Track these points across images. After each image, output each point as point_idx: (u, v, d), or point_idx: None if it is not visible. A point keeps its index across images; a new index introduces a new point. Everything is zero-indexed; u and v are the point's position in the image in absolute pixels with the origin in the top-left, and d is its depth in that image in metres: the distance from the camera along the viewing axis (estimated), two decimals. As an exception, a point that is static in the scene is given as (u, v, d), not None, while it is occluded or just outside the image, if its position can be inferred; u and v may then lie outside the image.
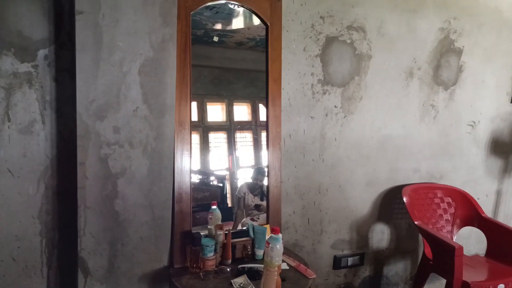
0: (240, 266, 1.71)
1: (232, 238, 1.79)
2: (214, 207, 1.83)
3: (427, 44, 2.42)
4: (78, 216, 1.52)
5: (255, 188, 2.01)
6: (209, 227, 1.80)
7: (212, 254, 1.68)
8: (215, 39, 1.88)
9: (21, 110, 1.53)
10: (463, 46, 2.54)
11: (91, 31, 1.46)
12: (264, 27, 1.90)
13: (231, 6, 1.84)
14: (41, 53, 1.53)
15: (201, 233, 1.74)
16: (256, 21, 1.91)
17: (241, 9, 1.87)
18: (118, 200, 1.59)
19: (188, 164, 1.76)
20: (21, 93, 1.52)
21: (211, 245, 1.68)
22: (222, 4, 1.81)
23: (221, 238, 1.76)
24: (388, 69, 2.32)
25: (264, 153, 1.97)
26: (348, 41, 2.17)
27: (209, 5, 1.77)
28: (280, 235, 1.52)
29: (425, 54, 2.43)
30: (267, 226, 1.87)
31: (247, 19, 1.92)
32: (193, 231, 1.75)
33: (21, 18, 1.49)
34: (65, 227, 1.65)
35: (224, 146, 1.98)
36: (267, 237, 1.81)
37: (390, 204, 2.48)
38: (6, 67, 1.49)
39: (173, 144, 1.69)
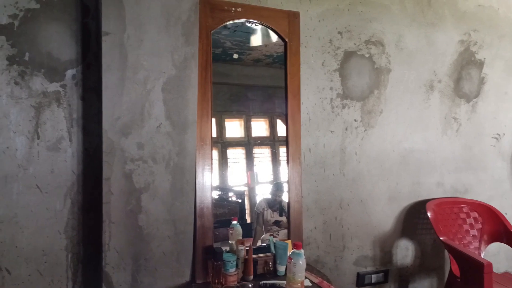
0: (262, 282, 1.70)
1: (253, 254, 1.78)
2: (234, 222, 1.83)
3: (447, 57, 2.41)
4: (103, 231, 1.55)
5: (274, 203, 2.01)
6: (230, 242, 1.80)
7: (234, 269, 1.67)
8: (235, 56, 1.92)
9: (49, 128, 1.58)
10: (484, 58, 2.51)
11: (116, 51, 1.51)
12: (282, 43, 1.93)
13: (249, 25, 1.88)
14: (69, 73, 1.60)
15: (223, 249, 1.74)
16: (273, 38, 1.94)
17: (258, 27, 1.91)
18: (142, 215, 1.61)
19: (209, 180, 1.77)
20: (50, 112, 1.58)
21: (233, 261, 1.67)
22: (241, 22, 1.85)
23: (242, 253, 1.75)
24: (408, 82, 2.31)
25: (282, 168, 1.98)
26: (367, 55, 2.18)
27: (227, 24, 1.82)
28: (302, 250, 1.51)
29: (445, 66, 2.41)
30: (289, 241, 1.86)
31: (264, 37, 1.96)
32: (214, 246, 1.75)
33: (51, 40, 1.56)
34: (89, 242, 1.68)
35: (243, 161, 1.99)
36: (288, 252, 1.80)
37: (414, 219, 2.43)
38: (36, 87, 1.56)
39: (195, 160, 1.72)
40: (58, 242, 1.63)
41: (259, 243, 1.94)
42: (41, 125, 1.57)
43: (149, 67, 1.57)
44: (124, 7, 1.51)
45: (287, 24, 1.92)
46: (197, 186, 1.74)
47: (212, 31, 1.77)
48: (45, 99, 1.57)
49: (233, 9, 1.80)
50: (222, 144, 1.91)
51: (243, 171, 1.99)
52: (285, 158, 1.95)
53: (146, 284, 1.64)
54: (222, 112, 1.89)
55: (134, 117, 1.57)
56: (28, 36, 1.53)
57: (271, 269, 1.82)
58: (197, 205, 1.74)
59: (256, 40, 1.96)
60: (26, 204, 1.57)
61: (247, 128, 2.01)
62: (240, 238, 1.80)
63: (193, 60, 1.66)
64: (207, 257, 1.73)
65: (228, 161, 1.93)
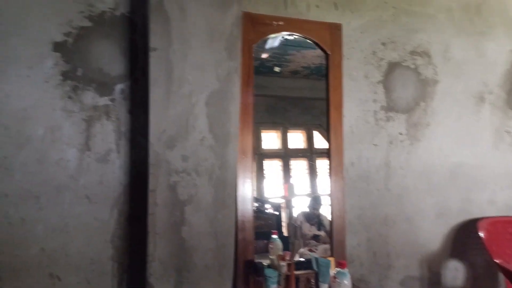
0: (304, 299, 1.65)
1: (295, 270, 1.74)
2: (275, 236, 1.80)
3: (498, 66, 2.29)
4: (148, 242, 1.57)
5: (312, 217, 1.97)
6: (270, 257, 1.77)
7: (275, 286, 1.63)
8: (277, 69, 1.92)
9: (99, 140, 1.65)
10: (540, 67, 2.37)
11: (163, 66, 1.56)
12: (321, 55, 1.92)
13: (288, 37, 1.88)
14: (118, 87, 1.67)
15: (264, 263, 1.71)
16: (312, 49, 1.93)
17: (296, 39, 1.90)
18: (185, 227, 1.62)
19: (250, 192, 1.77)
20: (100, 125, 1.64)
21: (275, 276, 1.64)
22: (282, 35, 1.86)
23: (284, 269, 1.71)
24: (456, 94, 2.21)
25: (320, 181, 1.94)
26: (412, 66, 2.11)
27: (264, 38, 1.82)
28: (347, 269, 1.45)
29: (497, 77, 2.29)
30: (332, 259, 1.80)
31: (303, 49, 1.95)
32: (255, 260, 1.73)
33: (102, 56, 1.64)
34: (134, 252, 1.71)
35: (279, 173, 1.97)
36: (331, 270, 1.74)
37: (464, 238, 2.28)
38: (87, 101, 1.63)
39: (236, 173, 1.72)
40: (105, 252, 1.67)
41: (296, 257, 1.89)
42: (92, 137, 1.64)
43: (193, 81, 1.60)
44: (170, 23, 1.56)
45: (329, 36, 1.91)
46: (238, 199, 1.73)
47: (253, 45, 1.79)
48: (95, 113, 1.64)
49: (275, 22, 1.82)
50: (259, 155, 1.90)
51: (280, 183, 1.97)
52: (327, 171, 1.91)
53: (188, 296, 1.64)
54: (259, 124, 1.89)
55: (179, 130, 1.60)
56: (81, 53, 1.62)
57: (313, 286, 1.77)
58: (239, 218, 1.73)
59: (293, 52, 1.96)
60: (76, 214, 1.63)
61: (284, 140, 2.00)
62: (280, 253, 1.77)
63: (236, 74, 1.68)
64: (248, 271, 1.71)
65: (265, 173, 1.92)
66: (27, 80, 1.55)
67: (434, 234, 2.22)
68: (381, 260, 2.12)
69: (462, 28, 2.19)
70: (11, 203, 1.54)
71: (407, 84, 2.11)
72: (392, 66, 2.08)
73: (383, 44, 2.05)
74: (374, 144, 2.07)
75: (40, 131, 1.57)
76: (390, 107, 2.08)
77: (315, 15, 1.93)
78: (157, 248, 1.59)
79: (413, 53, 2.11)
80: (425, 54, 2.14)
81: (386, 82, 2.07)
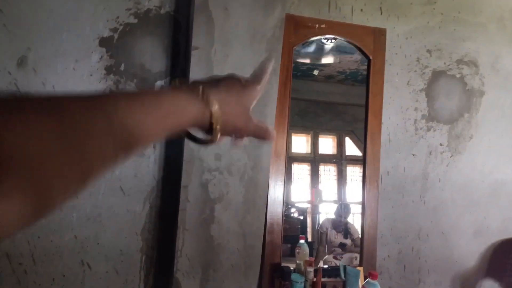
0: (330, 308, 1.62)
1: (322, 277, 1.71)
2: (302, 241, 1.78)
3: (552, 80, 2.15)
4: (177, 238, 1.59)
5: (339, 224, 1.93)
6: (297, 262, 1.75)
7: (301, 291, 1.62)
8: (315, 72, 1.89)
9: (136, 134, 1.68)
10: None
11: (203, 65, 1.57)
12: (359, 60, 1.87)
13: (325, 41, 1.85)
14: (158, 84, 1.69)
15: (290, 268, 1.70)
16: (349, 55, 1.89)
17: (332, 44, 1.87)
18: (214, 225, 1.63)
19: (281, 195, 1.75)
20: (138, 120, 1.67)
21: (301, 282, 1.62)
22: (321, 39, 1.83)
23: (311, 275, 1.69)
24: (504, 107, 2.10)
25: (349, 188, 1.90)
26: (458, 75, 2.02)
27: (304, 41, 1.80)
28: (377, 281, 1.41)
29: (549, 91, 2.15)
30: (360, 268, 1.76)
31: (340, 54, 1.91)
32: (282, 264, 1.71)
33: (145, 53, 1.67)
34: (163, 247, 1.73)
35: (307, 178, 1.94)
36: (360, 280, 1.70)
37: (503, 258, 2.17)
38: (128, 96, 1.66)
39: (268, 175, 1.71)
40: (135, 244, 1.71)
41: (321, 264, 1.86)
42: (130, 131, 1.67)
43: (232, 81, 1.60)
44: (213, 24, 1.56)
45: (372, 41, 1.85)
46: (268, 201, 1.72)
47: (294, 47, 1.77)
48: (135, 108, 1.67)
49: (317, 25, 1.78)
50: (288, 158, 1.88)
51: (307, 187, 1.94)
52: (360, 179, 1.87)
53: (213, 295, 1.65)
54: (289, 127, 1.87)
55: (215, 129, 1.60)
56: (125, 48, 1.65)
57: (339, 295, 1.74)
58: (268, 220, 1.72)
59: (329, 56, 1.92)
60: (109, 205, 1.67)
61: (314, 144, 1.97)
62: (307, 258, 1.75)
63: (274, 76, 1.67)
64: (274, 275, 1.70)
65: (293, 177, 1.89)
66: (73, 73, 1.61)
67: (470, 251, 2.13)
68: (411, 275, 2.05)
69: (514, 38, 2.07)
70: (51, 190, 1.60)
71: (451, 94, 2.02)
72: (437, 75, 1.99)
73: (428, 51, 1.97)
74: (412, 154, 1.99)
75: (82, 123, 1.62)
76: (431, 117, 2.00)
77: (358, 19, 1.88)
78: (185, 244, 1.61)
79: (459, 62, 2.02)
80: (473, 64, 2.04)
81: (429, 90, 1.99)
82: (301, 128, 1.97)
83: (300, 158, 1.96)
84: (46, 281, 1.61)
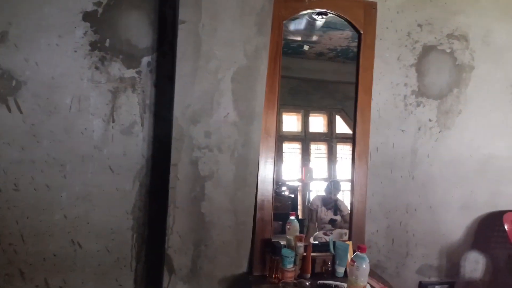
0: (320, 282, 1.65)
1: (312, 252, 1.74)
2: (292, 217, 1.80)
3: (542, 54, 2.15)
4: (168, 215, 1.59)
5: (329, 201, 1.95)
6: (288, 237, 1.77)
7: (291, 265, 1.64)
8: (306, 47, 1.86)
9: (124, 112, 1.65)
10: None
11: (191, 40, 1.53)
12: (349, 37, 1.84)
13: (315, 16, 1.81)
14: (145, 60, 1.65)
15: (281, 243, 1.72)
16: (339, 31, 1.85)
17: (323, 20, 1.83)
18: (205, 203, 1.63)
19: (271, 172, 1.75)
20: (125, 97, 1.65)
21: (291, 257, 1.64)
22: (306, 14, 1.79)
23: (301, 250, 1.71)
24: (493, 82, 2.10)
25: (339, 166, 1.91)
26: (448, 50, 2.01)
27: (293, 17, 1.76)
28: (365, 254, 1.44)
29: (539, 65, 2.16)
30: (349, 243, 1.79)
31: (329, 29, 1.88)
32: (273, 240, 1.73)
33: (130, 28, 1.62)
34: (154, 225, 1.74)
35: (298, 156, 1.95)
36: (349, 254, 1.73)
37: (488, 231, 2.22)
38: (114, 72, 1.63)
39: (258, 152, 1.70)
40: (125, 222, 1.71)
41: (311, 240, 1.89)
42: (117, 109, 1.64)
43: (221, 57, 1.57)
44: (200, -5, 1.52)
45: (362, 15, 1.82)
46: (259, 178, 1.72)
47: (284, 21, 1.73)
48: (121, 85, 1.64)
49: (307, -1, 1.74)
50: (279, 137, 1.88)
51: (298, 166, 1.94)
52: (350, 156, 1.87)
53: (205, 270, 1.66)
54: (280, 106, 1.86)
55: (204, 105, 1.58)
56: (110, 23, 1.60)
57: (329, 269, 1.77)
58: (258, 197, 1.73)
59: (320, 32, 1.89)
60: (99, 184, 1.66)
61: (305, 123, 1.96)
62: (297, 234, 1.77)
63: (264, 50, 1.64)
64: (265, 250, 1.72)
65: (284, 155, 1.89)
66: (56, 49, 1.56)
67: (456, 225, 2.17)
68: (399, 248, 2.09)
69: (507, 12, 2.05)
70: (37, 170, 1.58)
71: (441, 69, 2.01)
72: (427, 49, 1.98)
73: (420, 25, 1.95)
74: (401, 130, 2.00)
75: (68, 100, 1.59)
76: (421, 92, 2.00)
77: (349, -8, 1.84)
78: (176, 222, 1.61)
79: (450, 36, 2.00)
80: (463, 38, 2.02)
81: (420, 65, 1.98)
82: (292, 106, 1.95)
83: (291, 137, 1.96)
84: (37, 261, 1.61)
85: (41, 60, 1.55)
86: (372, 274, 1.81)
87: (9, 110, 1.53)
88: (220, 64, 1.57)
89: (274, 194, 1.79)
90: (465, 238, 2.19)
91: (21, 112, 1.54)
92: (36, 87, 1.55)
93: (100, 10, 1.59)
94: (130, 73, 1.64)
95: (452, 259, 2.19)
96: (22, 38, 1.52)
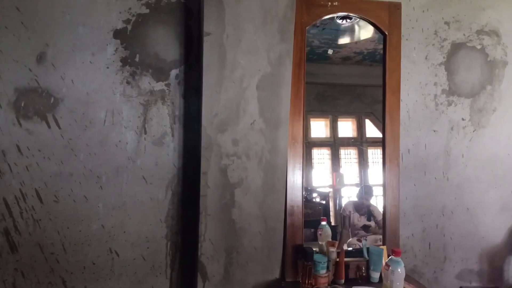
0: (354, 287, 1.62)
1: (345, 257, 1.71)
2: (323, 223, 1.79)
3: None
4: (200, 222, 1.62)
5: (362, 207, 1.91)
6: (320, 243, 1.76)
7: (324, 271, 1.63)
8: (330, 52, 1.86)
9: (155, 124, 1.71)
10: None
11: (216, 50, 1.57)
12: (374, 39, 1.83)
13: (340, 21, 1.81)
14: (173, 73, 1.71)
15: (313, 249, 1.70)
16: (365, 34, 1.84)
17: (348, 24, 1.83)
18: (235, 209, 1.65)
19: (300, 178, 1.75)
20: (156, 109, 1.70)
21: (324, 262, 1.63)
22: (331, 19, 1.79)
23: (333, 255, 1.70)
24: (529, 77, 2.02)
25: (371, 170, 1.87)
26: (478, 47, 1.95)
27: (316, 22, 1.76)
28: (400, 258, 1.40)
29: None
30: (384, 247, 1.75)
31: (355, 33, 1.87)
32: (304, 246, 1.72)
33: (158, 42, 1.69)
34: (186, 232, 1.77)
35: (328, 162, 1.93)
36: (383, 259, 1.70)
37: (532, 233, 2.12)
38: (144, 86, 1.69)
39: (286, 158, 1.71)
40: (160, 230, 1.75)
41: (345, 247, 1.86)
42: (148, 121, 1.70)
43: (245, 65, 1.60)
44: (224, 8, 1.56)
45: (387, 16, 1.81)
46: (287, 184, 1.73)
47: (307, 27, 1.74)
48: (152, 97, 1.70)
49: (329, 3, 1.75)
50: (307, 144, 1.87)
51: (328, 172, 1.93)
52: (381, 159, 1.84)
53: (238, 277, 1.68)
54: (307, 112, 1.85)
55: (230, 114, 1.61)
56: (139, 39, 1.67)
57: (363, 274, 1.73)
58: (288, 203, 1.73)
59: (345, 37, 1.88)
60: (133, 193, 1.71)
61: (333, 128, 1.94)
62: (329, 239, 1.75)
63: (288, 57, 1.65)
64: (297, 257, 1.71)
65: (313, 161, 1.88)
66: (90, 66, 1.64)
67: (496, 227, 2.08)
68: (437, 252, 2.02)
69: (539, 3, 1.98)
70: (75, 182, 1.65)
71: (472, 66, 1.96)
72: (456, 47, 1.93)
73: (447, 23, 1.91)
74: (433, 130, 1.95)
75: (102, 115, 1.66)
76: (452, 91, 1.95)
77: (372, -6, 1.84)
78: (208, 229, 1.64)
79: (480, 32, 1.95)
80: (494, 34, 1.96)
81: (449, 64, 1.93)
82: (319, 112, 1.95)
83: (320, 143, 1.95)
84: (78, 269, 1.68)
85: (76, 77, 1.63)
86: (409, 279, 1.76)
87: (49, 126, 1.62)
88: (245, 72, 1.60)
89: (304, 200, 1.78)
90: (507, 241, 2.09)
91: (59, 128, 1.63)
92: (72, 103, 1.63)
93: (129, 27, 1.66)
94: (159, 86, 1.70)
95: (494, 263, 2.10)
96: (59, 57, 1.61)
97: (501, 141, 2.02)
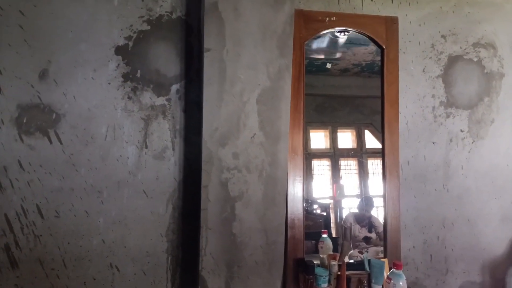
0: (356, 301, 1.62)
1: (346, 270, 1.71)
2: (324, 235, 1.78)
3: None
4: (201, 236, 1.62)
5: (363, 219, 1.91)
6: (321, 256, 1.75)
7: (326, 285, 1.62)
8: (328, 65, 1.89)
9: (156, 138, 1.72)
10: None
11: (216, 66, 1.59)
12: (372, 51, 1.85)
13: (338, 34, 1.84)
14: (174, 88, 1.73)
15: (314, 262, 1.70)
16: (363, 46, 1.87)
17: (345, 37, 1.85)
18: (236, 223, 1.65)
19: (300, 191, 1.76)
20: (157, 123, 1.72)
21: (325, 276, 1.62)
22: (329, 32, 1.82)
23: (335, 269, 1.69)
24: (526, 88, 2.04)
25: (371, 181, 1.88)
26: (475, 59, 1.98)
27: (315, 36, 1.79)
28: (402, 271, 1.40)
29: None
30: (385, 260, 1.75)
31: (353, 45, 1.89)
32: (305, 259, 1.72)
33: (159, 58, 1.71)
34: (187, 247, 1.77)
35: (328, 173, 1.93)
36: (385, 272, 1.69)
37: (534, 244, 2.11)
38: (146, 101, 1.71)
39: (286, 170, 1.71)
40: (160, 245, 1.75)
41: (346, 259, 1.85)
42: (149, 135, 1.71)
43: (245, 80, 1.62)
44: (224, 24, 1.58)
45: (384, 30, 1.84)
46: (288, 197, 1.73)
47: (305, 42, 1.77)
48: (153, 112, 1.71)
49: (327, 18, 1.78)
50: (307, 155, 1.88)
51: (328, 183, 1.93)
52: (380, 171, 1.85)
53: (239, 291, 1.67)
54: (307, 123, 1.87)
55: (231, 128, 1.63)
56: (140, 55, 1.70)
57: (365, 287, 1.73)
58: (289, 216, 1.73)
59: (344, 49, 1.91)
60: (134, 208, 1.72)
61: (333, 139, 1.95)
62: (331, 252, 1.75)
63: (287, 71, 1.67)
64: (298, 270, 1.71)
65: (313, 173, 1.89)
66: (92, 82, 1.66)
67: (498, 238, 2.08)
68: (438, 264, 2.02)
69: (533, 16, 2.01)
70: (77, 197, 1.66)
71: (469, 78, 1.98)
72: (453, 60, 1.96)
73: (443, 36, 1.94)
74: (432, 142, 1.96)
75: (103, 130, 1.67)
76: (450, 103, 1.97)
77: (369, 9, 1.87)
78: (209, 243, 1.64)
79: (476, 45, 1.97)
80: (490, 46, 1.99)
81: (446, 76, 1.96)
82: (319, 123, 1.96)
83: (320, 154, 1.96)
84: (78, 285, 1.67)
85: (78, 93, 1.65)
86: (411, 292, 1.75)
87: (50, 141, 1.63)
88: (245, 87, 1.62)
89: (305, 213, 1.78)
90: (509, 253, 2.09)
91: (61, 143, 1.64)
92: (74, 119, 1.65)
93: (130, 44, 1.69)
94: (160, 100, 1.72)
95: (496, 275, 2.09)
96: (61, 74, 1.63)
97: (500, 152, 2.03)
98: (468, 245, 2.04)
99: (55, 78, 1.63)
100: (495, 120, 2.02)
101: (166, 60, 1.71)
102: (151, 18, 1.71)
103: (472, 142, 2.00)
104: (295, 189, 1.75)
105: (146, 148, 1.71)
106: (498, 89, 2.01)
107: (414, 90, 1.93)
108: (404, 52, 1.90)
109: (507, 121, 2.03)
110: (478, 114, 2.00)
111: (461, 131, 1.99)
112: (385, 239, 1.83)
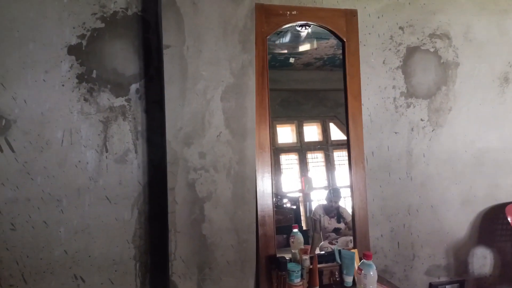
0: (329, 293, 1.63)
1: (318, 263, 1.72)
2: (295, 230, 1.78)
3: (524, 45, 2.19)
4: (169, 240, 1.57)
5: (331, 210, 1.93)
6: (293, 251, 1.75)
7: (299, 280, 1.62)
8: (291, 60, 1.88)
9: (116, 141, 1.65)
10: None
11: (177, 63, 1.54)
12: (335, 45, 1.86)
13: (299, 28, 1.84)
14: (133, 87, 1.66)
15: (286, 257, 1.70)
16: (324, 39, 1.88)
17: (306, 31, 1.85)
18: (205, 224, 1.61)
19: (269, 187, 1.74)
20: (117, 125, 1.64)
21: (298, 271, 1.62)
22: (290, 27, 1.81)
23: (307, 263, 1.69)
24: (479, 76, 2.13)
25: (338, 173, 1.90)
26: (432, 49, 2.04)
27: (277, 30, 1.78)
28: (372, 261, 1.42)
29: (522, 56, 2.19)
30: (355, 250, 1.77)
31: (314, 39, 1.90)
32: (277, 255, 1.71)
33: (116, 57, 1.63)
34: (156, 252, 1.71)
35: (296, 167, 1.94)
36: (355, 262, 1.71)
37: (492, 225, 2.22)
38: (103, 103, 1.63)
39: (255, 167, 1.69)
40: (127, 252, 1.68)
41: (317, 251, 1.87)
42: (109, 138, 1.64)
43: (208, 77, 1.58)
44: (183, 19, 1.53)
45: (344, 23, 1.85)
46: (257, 194, 1.71)
47: (267, 37, 1.75)
48: (112, 114, 1.63)
49: (288, 12, 1.77)
50: (275, 150, 1.87)
51: (297, 177, 1.94)
52: (346, 162, 1.87)
53: (212, 293, 1.64)
54: (273, 118, 1.86)
55: (196, 127, 1.58)
56: (95, 54, 1.61)
57: (337, 279, 1.74)
58: (259, 213, 1.71)
59: (306, 43, 1.91)
60: (97, 215, 1.64)
61: (299, 133, 1.96)
62: (302, 246, 1.75)
63: (250, 67, 1.65)
64: (271, 267, 1.70)
65: (282, 168, 1.89)
66: (44, 84, 1.56)
67: (460, 222, 2.17)
68: (405, 251, 2.08)
69: (484, 7, 2.09)
70: (33, 207, 1.56)
71: (427, 69, 2.04)
72: (411, 51, 2.01)
73: (401, 28, 1.98)
74: (394, 132, 2.01)
75: (59, 135, 1.58)
76: (410, 93, 2.02)
77: (329, 2, 1.88)
78: (178, 246, 1.59)
79: (432, 36, 2.03)
80: (445, 37, 2.06)
81: (405, 67, 2.00)
82: (285, 118, 1.96)
83: (287, 149, 1.96)
84: (40, 300, 1.58)
85: (29, 97, 1.54)
86: (381, 280, 1.79)
87: (1, 150, 1.52)
88: (208, 84, 1.58)
89: (275, 208, 1.77)
90: (470, 234, 2.19)
91: (13, 151, 1.53)
92: (26, 124, 1.54)
93: (84, 43, 1.60)
94: (119, 101, 1.64)
95: (459, 257, 2.18)
96: (8, 76, 1.52)
97: (458, 139, 2.11)
98: (433, 230, 2.11)
99: (2, 82, 1.51)
100: (453, 108, 2.09)
101: (124, 58, 1.64)
102: (105, 15, 1.62)
103: (432, 131, 2.07)
104: (264, 186, 1.74)
105: (107, 152, 1.63)
106: (454, 78, 2.09)
107: (376, 82, 1.97)
108: (364, 45, 1.93)
109: (463, 109, 2.11)
110: (437, 103, 2.07)
111: (421, 120, 2.05)
112: (354, 229, 1.85)
